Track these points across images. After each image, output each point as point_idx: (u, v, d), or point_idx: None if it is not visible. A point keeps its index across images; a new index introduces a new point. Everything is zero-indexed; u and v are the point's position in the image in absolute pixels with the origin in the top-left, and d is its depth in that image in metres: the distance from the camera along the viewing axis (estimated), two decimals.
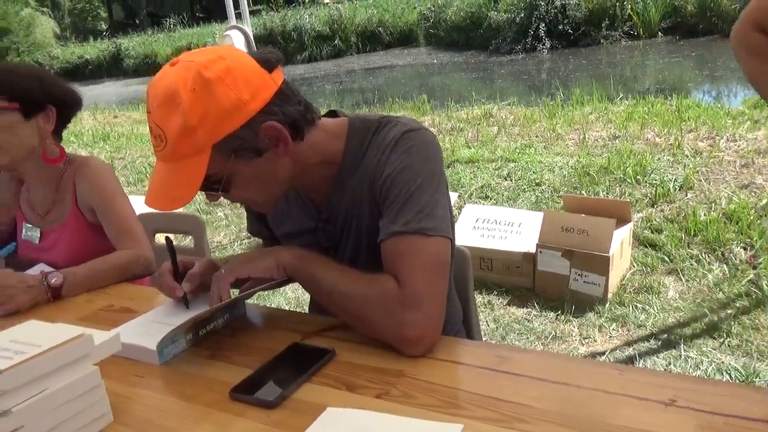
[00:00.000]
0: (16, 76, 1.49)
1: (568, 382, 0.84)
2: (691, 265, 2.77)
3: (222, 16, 14.31)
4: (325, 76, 12.53)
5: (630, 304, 2.57)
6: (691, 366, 2.15)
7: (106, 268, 1.46)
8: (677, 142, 3.91)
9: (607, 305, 2.57)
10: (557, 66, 9.72)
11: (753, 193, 3.19)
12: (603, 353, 2.29)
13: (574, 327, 2.48)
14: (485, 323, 2.58)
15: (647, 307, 2.53)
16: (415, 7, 14.96)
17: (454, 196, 3.58)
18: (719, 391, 0.78)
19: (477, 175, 3.98)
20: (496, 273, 2.89)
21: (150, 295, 1.37)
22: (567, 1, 10.60)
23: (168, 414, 0.89)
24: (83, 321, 1.26)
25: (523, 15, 11.15)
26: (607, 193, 3.47)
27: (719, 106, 4.99)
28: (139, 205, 1.57)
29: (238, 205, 4.24)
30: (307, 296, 2.83)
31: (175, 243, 1.18)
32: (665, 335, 2.35)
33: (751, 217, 2.94)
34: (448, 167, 4.13)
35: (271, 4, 17.78)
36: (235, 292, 1.09)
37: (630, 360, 2.23)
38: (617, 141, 4.25)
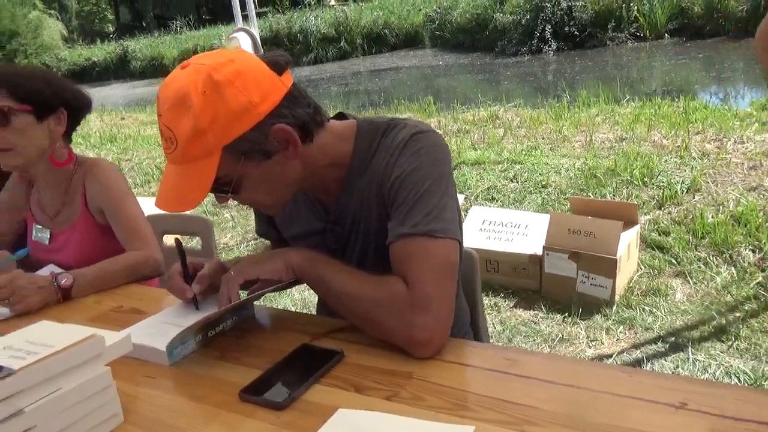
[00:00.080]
0: (25, 78, 1.50)
1: (576, 385, 0.84)
2: (699, 267, 2.76)
3: (228, 18, 14.37)
4: (330, 78, 12.54)
5: (637, 307, 2.56)
6: (699, 369, 2.14)
7: (116, 269, 1.46)
8: (684, 144, 3.90)
9: (614, 308, 2.56)
10: (563, 68, 9.69)
11: (761, 196, 3.17)
12: (610, 356, 2.29)
13: (581, 329, 2.47)
14: (492, 325, 2.57)
15: (654, 310, 2.52)
16: (420, 9, 14.95)
17: (460, 198, 3.58)
18: (730, 395, 0.78)
19: (483, 177, 3.97)
20: (503, 275, 2.89)
21: (159, 296, 1.38)
22: (573, 3, 10.57)
23: (178, 414, 0.89)
24: (93, 322, 1.27)
25: (528, 17, 11.13)
26: (614, 196, 3.46)
27: (726, 107, 4.96)
28: (146, 206, 1.59)
29: (245, 206, 4.26)
30: (314, 297, 2.85)
31: (183, 244, 1.19)
32: (673, 338, 2.34)
33: (760, 220, 2.93)
34: (455, 169, 4.12)
35: (277, 6, 17.86)
36: (243, 294, 1.09)
37: (637, 363, 2.22)
38: (624, 143, 4.24)
